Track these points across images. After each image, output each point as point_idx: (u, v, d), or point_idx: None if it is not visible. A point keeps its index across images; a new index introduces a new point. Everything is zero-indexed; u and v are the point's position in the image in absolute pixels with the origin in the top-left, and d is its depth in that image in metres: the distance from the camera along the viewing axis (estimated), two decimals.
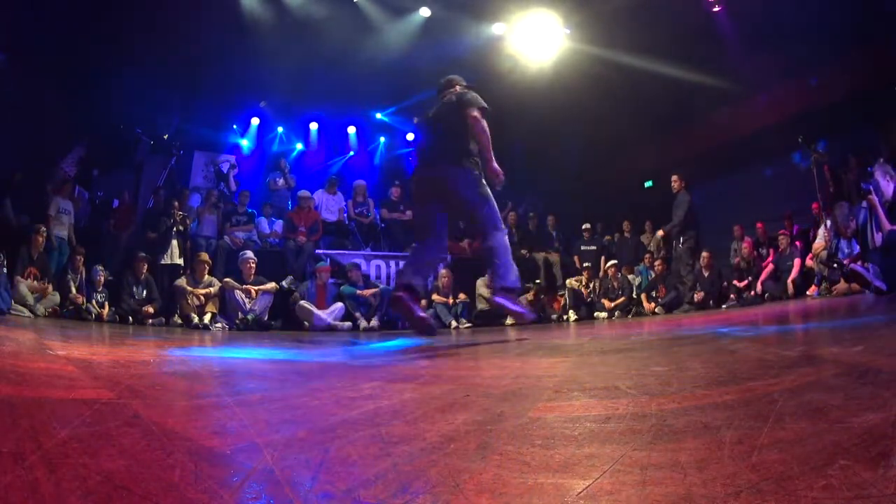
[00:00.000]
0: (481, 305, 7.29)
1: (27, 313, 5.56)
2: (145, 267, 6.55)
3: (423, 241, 3.68)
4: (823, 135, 6.96)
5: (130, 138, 8.55)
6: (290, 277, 7.10)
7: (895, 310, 3.63)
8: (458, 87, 3.72)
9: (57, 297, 5.97)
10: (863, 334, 2.39)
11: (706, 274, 7.42)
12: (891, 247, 4.97)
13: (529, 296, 7.34)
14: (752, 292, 7.23)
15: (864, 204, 5.59)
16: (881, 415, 0.92)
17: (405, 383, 1.81)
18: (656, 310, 7.40)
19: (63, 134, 7.86)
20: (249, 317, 6.37)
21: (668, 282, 7.64)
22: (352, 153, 10.53)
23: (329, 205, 8.51)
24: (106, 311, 6.20)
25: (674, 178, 7.87)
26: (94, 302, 6.20)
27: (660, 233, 7.90)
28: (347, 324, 6.62)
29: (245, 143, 9.79)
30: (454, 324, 6.82)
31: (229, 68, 8.22)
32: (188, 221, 7.23)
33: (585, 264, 8.17)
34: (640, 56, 7.92)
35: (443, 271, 7.48)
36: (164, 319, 6.38)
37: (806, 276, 6.85)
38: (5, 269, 5.67)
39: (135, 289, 6.43)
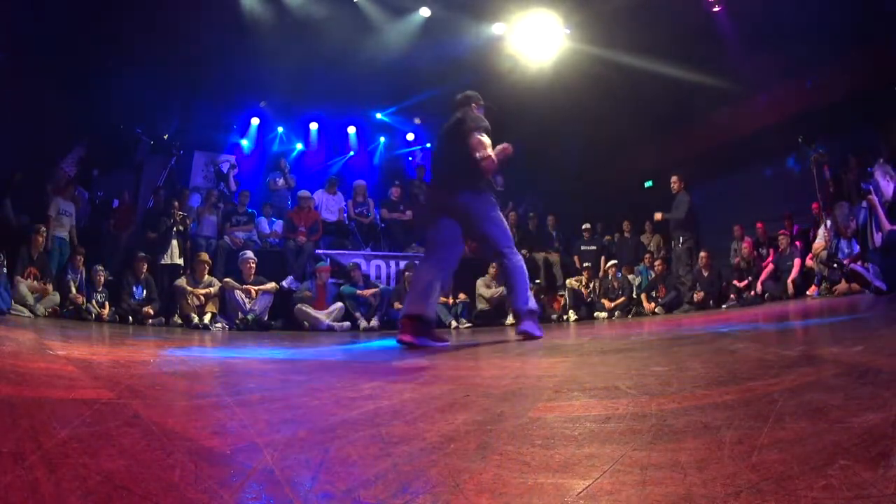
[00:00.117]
0: (481, 305, 7.29)
1: (27, 313, 5.56)
2: (145, 267, 6.55)
3: (428, 257, 3.65)
4: (823, 135, 6.95)
5: (130, 138, 8.55)
6: (290, 277, 7.10)
7: (895, 310, 3.63)
8: (473, 107, 3.72)
9: (57, 297, 5.97)
10: (863, 334, 2.39)
11: (705, 274, 7.42)
12: (891, 247, 4.97)
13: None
14: (752, 292, 7.23)
15: (864, 204, 5.59)
16: (881, 415, 0.92)
17: (405, 383, 1.81)
18: (656, 310, 7.40)
19: (63, 134, 7.86)
20: (249, 317, 6.37)
21: (668, 282, 7.64)
22: (352, 153, 10.53)
23: (329, 205, 8.52)
24: (106, 311, 6.20)
25: (673, 179, 7.89)
26: (94, 302, 6.20)
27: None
28: (346, 324, 6.62)
29: (245, 143, 9.79)
30: (454, 324, 6.82)
31: (229, 68, 8.22)
32: (188, 221, 7.23)
33: (585, 264, 8.17)
34: (640, 56, 7.92)
35: None
36: (164, 319, 6.38)
37: (806, 276, 6.84)
38: (5, 269, 5.67)
39: (135, 289, 6.43)
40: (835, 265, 6.07)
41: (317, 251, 7.61)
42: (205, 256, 6.71)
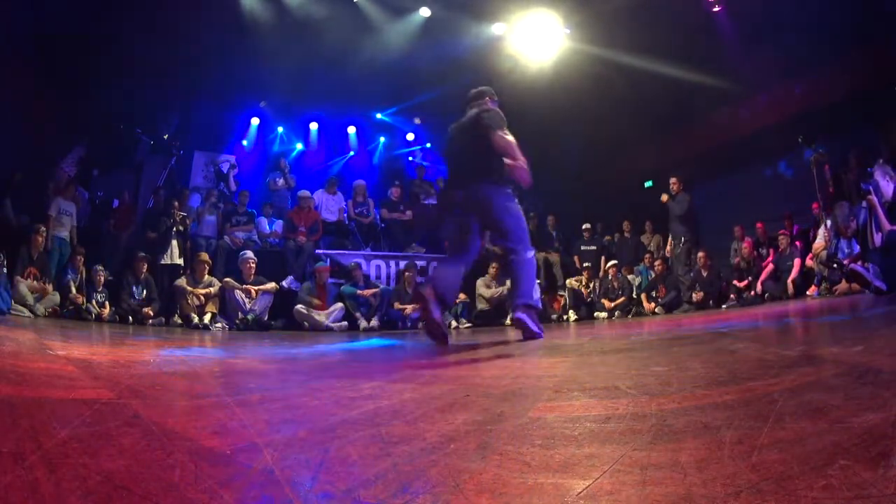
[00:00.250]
0: (481, 305, 7.29)
1: (27, 313, 5.56)
2: (145, 267, 6.55)
3: (453, 256, 3.67)
4: (823, 135, 6.95)
5: (130, 138, 8.55)
6: (290, 277, 7.10)
7: (895, 310, 3.63)
8: (487, 101, 3.72)
9: (57, 297, 5.97)
10: (863, 334, 2.39)
11: (704, 274, 7.42)
12: (891, 247, 4.97)
13: None
14: (752, 292, 7.23)
15: (864, 204, 5.59)
16: (881, 415, 0.92)
17: (405, 383, 1.81)
18: (656, 310, 7.40)
19: (63, 134, 7.86)
20: (249, 317, 6.37)
21: (668, 282, 7.64)
22: (352, 153, 10.53)
23: (329, 205, 8.51)
24: (106, 311, 6.20)
25: (672, 180, 7.88)
26: (94, 302, 6.20)
27: (664, 197, 7.87)
28: (344, 323, 6.62)
29: (245, 143, 9.79)
30: (454, 324, 6.82)
31: (229, 68, 8.22)
32: (188, 221, 7.23)
33: (585, 264, 8.17)
34: (640, 56, 7.92)
35: None
36: (164, 319, 6.38)
37: (806, 276, 6.84)
38: (5, 269, 5.67)
39: (135, 289, 6.43)
40: (835, 265, 6.07)
41: (317, 251, 7.61)
42: (205, 256, 6.71)
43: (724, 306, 7.06)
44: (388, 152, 10.85)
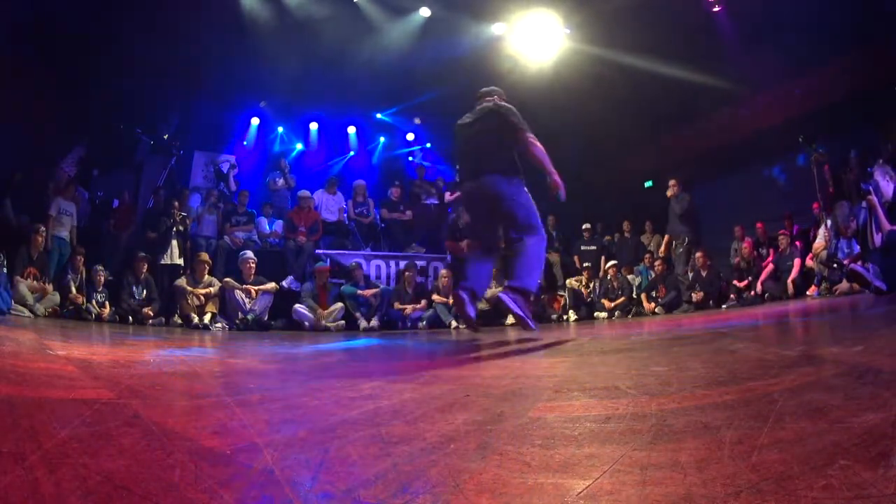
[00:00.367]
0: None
1: (27, 313, 5.56)
2: (145, 267, 6.54)
3: (484, 254, 3.77)
4: (823, 135, 6.95)
5: (130, 138, 8.54)
6: (290, 277, 7.10)
7: (895, 310, 3.63)
8: (497, 98, 3.75)
9: (57, 297, 5.97)
10: (863, 334, 2.40)
11: (704, 274, 7.43)
12: (891, 247, 4.97)
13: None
14: (752, 292, 7.22)
15: (864, 204, 5.59)
16: (881, 415, 0.92)
17: (405, 383, 1.81)
18: (656, 310, 7.40)
19: (63, 134, 7.86)
20: (249, 317, 6.37)
21: (668, 282, 7.64)
22: (352, 153, 10.53)
23: (329, 205, 8.51)
24: (106, 311, 6.20)
25: (671, 182, 7.86)
26: (94, 302, 6.20)
27: (672, 187, 7.83)
28: (342, 323, 6.62)
29: (246, 143, 9.80)
30: (454, 324, 6.82)
31: (229, 68, 8.21)
32: (188, 221, 7.23)
33: (585, 264, 8.17)
34: (640, 56, 7.92)
35: (443, 271, 7.48)
36: (164, 319, 6.38)
37: (806, 276, 6.84)
38: (5, 269, 5.67)
39: (135, 289, 6.43)
40: (835, 265, 6.07)
41: (317, 251, 7.61)
42: (205, 256, 6.70)
43: (724, 306, 7.05)
44: (388, 152, 10.85)
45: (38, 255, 6.08)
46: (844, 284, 5.67)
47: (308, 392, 1.66)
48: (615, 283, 7.82)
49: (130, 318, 6.23)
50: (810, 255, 6.75)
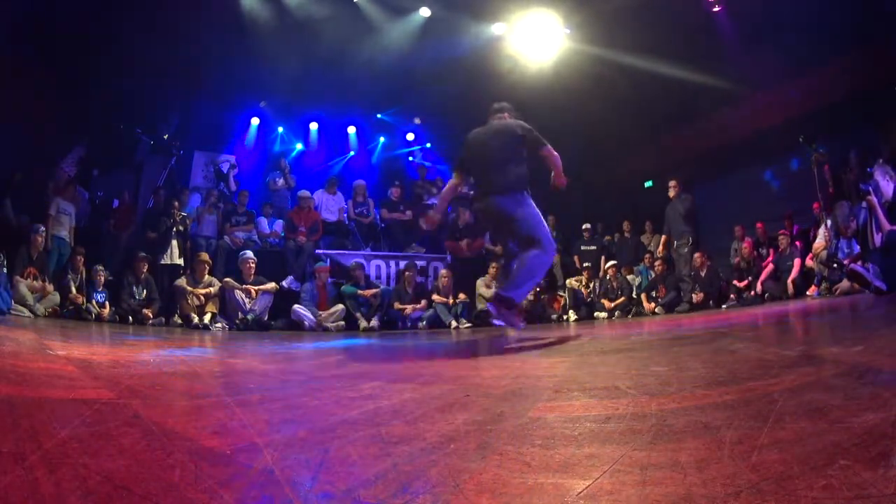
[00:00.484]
0: (481, 305, 7.27)
1: (27, 313, 5.56)
2: (145, 267, 6.54)
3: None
4: (823, 135, 6.95)
5: (130, 138, 8.54)
6: (290, 277, 7.10)
7: (895, 310, 3.63)
8: (507, 115, 3.95)
9: (57, 297, 5.97)
10: (863, 334, 2.40)
11: (703, 274, 7.43)
12: (891, 247, 4.97)
13: (529, 295, 7.34)
14: (752, 292, 7.22)
15: (864, 204, 5.59)
16: (881, 415, 0.92)
17: (405, 383, 1.81)
18: (656, 310, 7.40)
19: (63, 134, 7.86)
20: (249, 317, 6.37)
21: (668, 282, 7.64)
22: (352, 153, 10.53)
23: (329, 205, 8.51)
24: (106, 311, 6.20)
25: (671, 183, 7.84)
26: (94, 302, 6.20)
27: (673, 188, 7.80)
28: (342, 323, 6.62)
29: (247, 143, 9.79)
30: (454, 324, 6.82)
31: (229, 68, 8.21)
32: (188, 221, 7.23)
33: (585, 264, 8.17)
34: (640, 56, 7.92)
35: (443, 271, 7.49)
36: (164, 319, 6.38)
37: (806, 276, 6.84)
38: (5, 269, 5.67)
39: (135, 289, 6.43)
40: (835, 265, 6.07)
41: (317, 251, 7.61)
42: (205, 256, 6.70)
43: (724, 306, 7.05)
44: (388, 152, 10.85)
45: (38, 255, 6.08)
46: (845, 283, 5.67)
47: (308, 392, 1.66)
48: (615, 283, 7.82)
49: (130, 318, 6.22)
50: (810, 255, 6.74)
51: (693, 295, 7.28)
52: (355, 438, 1.05)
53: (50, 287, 5.98)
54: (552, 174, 3.91)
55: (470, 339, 4.65)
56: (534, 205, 3.67)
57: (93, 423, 1.12)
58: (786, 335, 2.99)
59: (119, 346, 3.39)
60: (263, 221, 8.02)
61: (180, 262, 7.01)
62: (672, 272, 7.72)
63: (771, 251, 7.46)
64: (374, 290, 7.01)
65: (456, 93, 9.09)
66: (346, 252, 7.89)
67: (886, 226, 5.14)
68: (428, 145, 10.91)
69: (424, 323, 6.95)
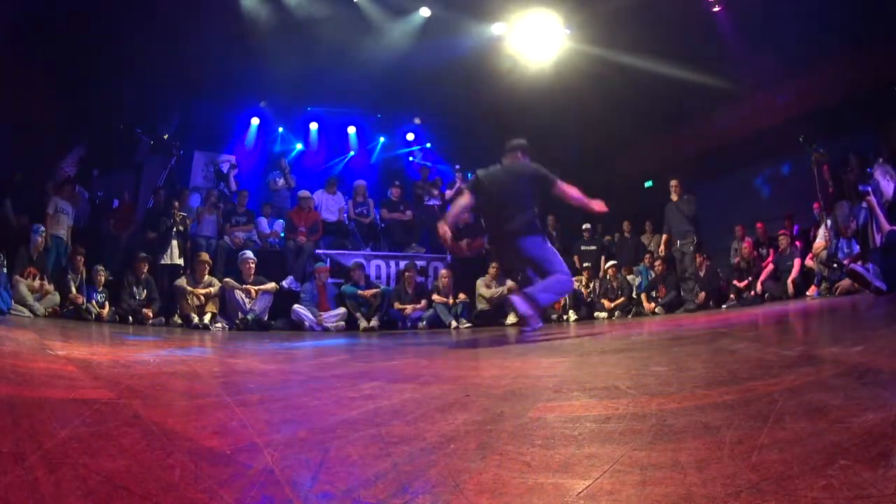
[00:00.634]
0: (481, 305, 7.29)
1: (27, 313, 5.56)
2: (145, 267, 6.54)
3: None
4: (823, 135, 6.95)
5: (130, 138, 8.54)
6: (290, 278, 7.10)
7: (895, 310, 3.63)
8: (520, 155, 4.11)
9: (57, 297, 5.97)
10: (863, 334, 2.40)
11: (701, 273, 7.44)
12: (891, 247, 4.96)
13: None
14: (752, 292, 7.22)
15: (865, 204, 5.59)
16: (881, 415, 0.92)
17: (405, 383, 1.81)
18: (656, 310, 7.40)
19: (63, 134, 7.86)
20: (249, 317, 6.36)
21: (668, 282, 7.64)
22: (352, 153, 10.53)
23: (329, 205, 8.51)
24: (106, 311, 6.20)
25: (673, 182, 7.81)
26: (94, 302, 6.20)
27: (674, 188, 7.81)
28: (342, 324, 6.62)
29: (247, 143, 9.80)
30: (454, 324, 6.82)
31: (229, 68, 8.21)
32: (188, 221, 7.23)
33: (585, 264, 8.17)
34: (640, 56, 7.92)
35: (443, 271, 7.49)
36: (164, 319, 6.38)
37: (806, 276, 6.84)
38: (5, 269, 5.66)
39: (135, 289, 6.42)
40: (835, 265, 6.06)
41: (317, 251, 7.61)
42: (205, 256, 6.70)
43: (724, 306, 7.05)
44: (388, 152, 10.84)
45: (38, 255, 6.07)
46: (846, 282, 5.66)
47: (308, 392, 1.66)
48: (615, 283, 7.82)
49: (130, 318, 6.22)
50: (810, 255, 6.74)
51: (688, 294, 7.28)
52: (355, 438, 1.05)
53: (50, 287, 5.98)
54: (588, 208, 4.07)
55: (470, 339, 4.65)
56: (549, 244, 3.96)
57: (93, 423, 1.12)
58: (786, 335, 2.99)
59: (119, 346, 3.39)
60: (263, 221, 8.02)
61: (180, 262, 7.01)
62: (672, 272, 7.71)
63: (771, 251, 7.46)
64: (374, 290, 7.01)
65: (456, 93, 9.09)
66: (346, 252, 7.89)
67: (886, 226, 5.14)
68: (428, 145, 10.90)
69: (424, 323, 6.95)
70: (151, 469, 0.85)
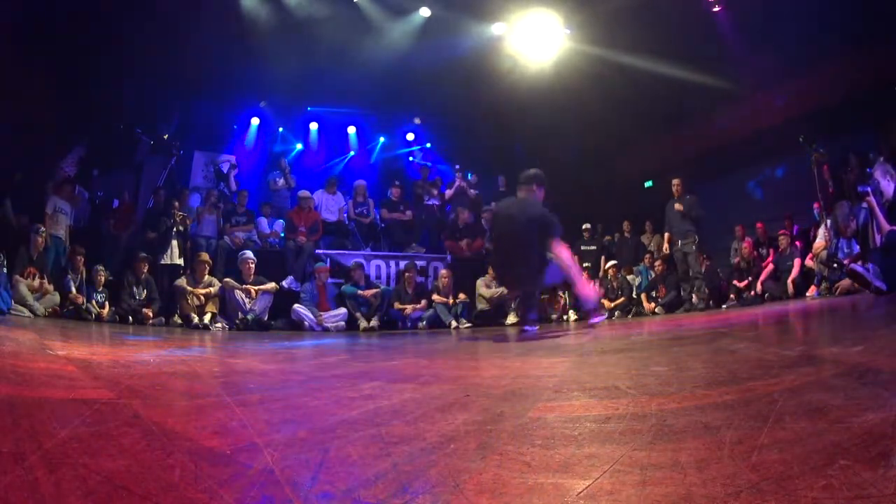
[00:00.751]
0: (481, 305, 7.28)
1: (27, 313, 5.56)
2: (145, 267, 6.54)
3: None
4: (823, 135, 6.95)
5: (130, 138, 8.54)
6: (290, 278, 7.09)
7: (895, 310, 3.63)
8: (535, 188, 4.30)
9: (57, 297, 5.97)
10: (863, 334, 2.39)
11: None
12: (891, 247, 4.96)
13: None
14: (752, 292, 7.22)
15: (865, 204, 5.58)
16: (881, 415, 0.92)
17: (405, 383, 1.81)
18: (656, 310, 7.40)
19: (63, 134, 7.85)
20: (249, 317, 6.36)
21: (668, 282, 7.64)
22: (352, 153, 10.53)
23: (329, 205, 8.51)
24: (106, 311, 6.19)
25: (675, 181, 7.79)
26: (94, 302, 6.20)
27: (676, 187, 7.80)
28: (342, 324, 6.62)
29: (246, 143, 9.80)
30: (454, 324, 6.82)
31: (229, 68, 8.21)
32: (188, 221, 7.22)
33: (585, 264, 8.16)
34: (640, 56, 7.92)
35: (443, 271, 7.48)
36: (164, 319, 6.38)
37: (806, 276, 6.84)
38: (5, 269, 5.66)
39: (135, 289, 6.42)
40: (835, 265, 6.06)
41: (317, 251, 7.61)
42: (205, 256, 6.70)
43: (724, 306, 7.05)
44: (388, 152, 10.85)
45: (38, 255, 6.07)
46: (846, 282, 5.66)
47: (308, 392, 1.66)
48: (615, 283, 7.82)
49: (130, 318, 6.22)
50: (810, 255, 6.74)
51: (694, 294, 7.28)
52: (355, 438, 1.05)
53: (50, 287, 5.98)
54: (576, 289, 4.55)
55: (470, 339, 4.65)
56: (553, 265, 4.17)
57: (93, 423, 1.12)
58: (786, 335, 2.99)
59: (119, 346, 3.39)
60: (263, 221, 8.02)
61: (180, 262, 7.00)
62: (672, 272, 7.71)
63: (771, 251, 7.46)
64: (374, 290, 7.01)
65: (456, 93, 9.10)
66: (346, 252, 7.89)
67: (886, 226, 5.13)
68: (428, 145, 10.91)
69: (424, 323, 6.95)
70: (151, 469, 0.85)
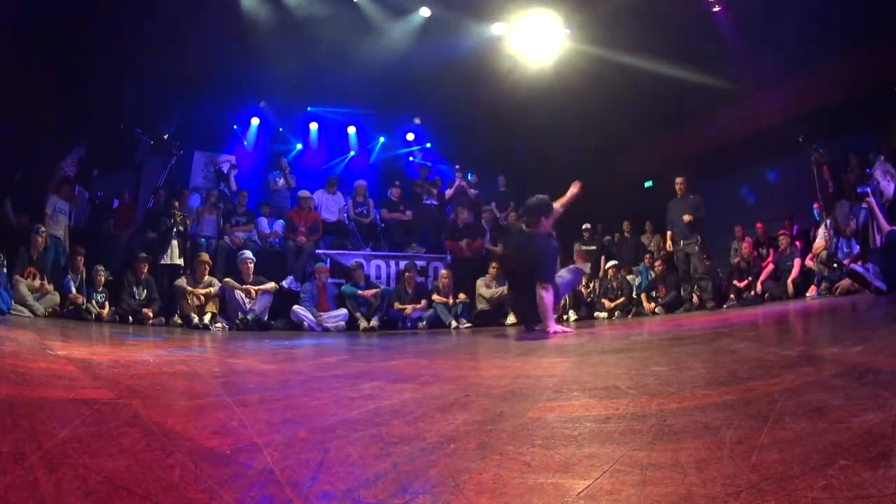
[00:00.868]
0: (481, 305, 7.28)
1: (27, 313, 5.56)
2: (145, 267, 6.54)
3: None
4: (823, 135, 6.95)
5: (130, 138, 8.54)
6: (290, 278, 7.09)
7: (895, 310, 3.63)
8: (543, 221, 4.48)
9: (57, 297, 5.97)
10: (863, 334, 2.39)
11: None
12: (891, 247, 4.96)
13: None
14: (752, 292, 7.22)
15: (864, 204, 5.58)
16: (881, 415, 0.92)
17: (405, 383, 1.81)
18: (656, 310, 7.40)
19: (63, 134, 7.85)
20: (249, 317, 6.36)
21: (668, 282, 7.64)
22: (352, 153, 10.53)
23: (329, 205, 8.50)
24: (106, 311, 6.19)
25: (679, 180, 7.75)
26: (94, 302, 6.19)
27: (679, 186, 7.80)
28: (342, 324, 6.62)
29: (245, 143, 9.80)
30: (454, 324, 6.82)
31: (229, 68, 8.21)
32: (188, 221, 7.22)
33: (586, 264, 8.17)
34: (640, 56, 7.92)
35: (443, 271, 7.48)
36: (164, 319, 6.38)
37: (806, 276, 6.84)
38: (5, 269, 5.66)
39: (135, 289, 6.42)
40: (835, 265, 6.06)
41: (317, 251, 7.60)
42: (205, 256, 6.70)
43: (724, 306, 7.05)
44: (388, 152, 10.85)
45: (38, 255, 6.07)
46: (846, 282, 5.66)
47: (308, 392, 1.66)
48: (615, 283, 7.82)
49: (130, 318, 6.22)
50: (810, 255, 6.74)
51: (695, 295, 7.27)
52: (355, 438, 1.05)
53: (50, 287, 5.98)
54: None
55: (470, 339, 4.65)
56: (557, 275, 4.52)
57: (93, 423, 1.12)
58: (786, 335, 2.99)
59: (119, 346, 3.39)
60: (263, 221, 8.01)
61: (180, 262, 7.00)
62: (672, 272, 7.71)
63: (771, 251, 7.46)
64: (374, 290, 7.01)
65: (456, 93, 9.10)
66: (346, 252, 7.89)
67: (886, 226, 5.13)
68: (428, 145, 10.91)
69: (424, 323, 6.95)
70: (151, 469, 0.85)
